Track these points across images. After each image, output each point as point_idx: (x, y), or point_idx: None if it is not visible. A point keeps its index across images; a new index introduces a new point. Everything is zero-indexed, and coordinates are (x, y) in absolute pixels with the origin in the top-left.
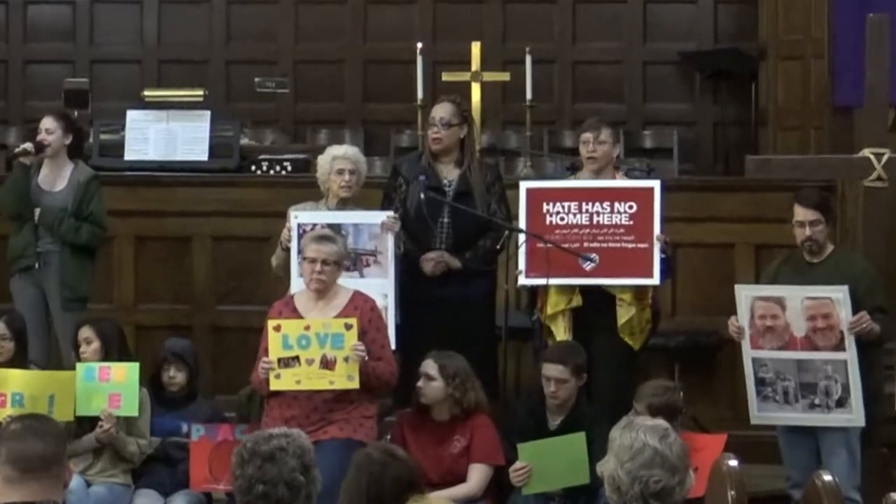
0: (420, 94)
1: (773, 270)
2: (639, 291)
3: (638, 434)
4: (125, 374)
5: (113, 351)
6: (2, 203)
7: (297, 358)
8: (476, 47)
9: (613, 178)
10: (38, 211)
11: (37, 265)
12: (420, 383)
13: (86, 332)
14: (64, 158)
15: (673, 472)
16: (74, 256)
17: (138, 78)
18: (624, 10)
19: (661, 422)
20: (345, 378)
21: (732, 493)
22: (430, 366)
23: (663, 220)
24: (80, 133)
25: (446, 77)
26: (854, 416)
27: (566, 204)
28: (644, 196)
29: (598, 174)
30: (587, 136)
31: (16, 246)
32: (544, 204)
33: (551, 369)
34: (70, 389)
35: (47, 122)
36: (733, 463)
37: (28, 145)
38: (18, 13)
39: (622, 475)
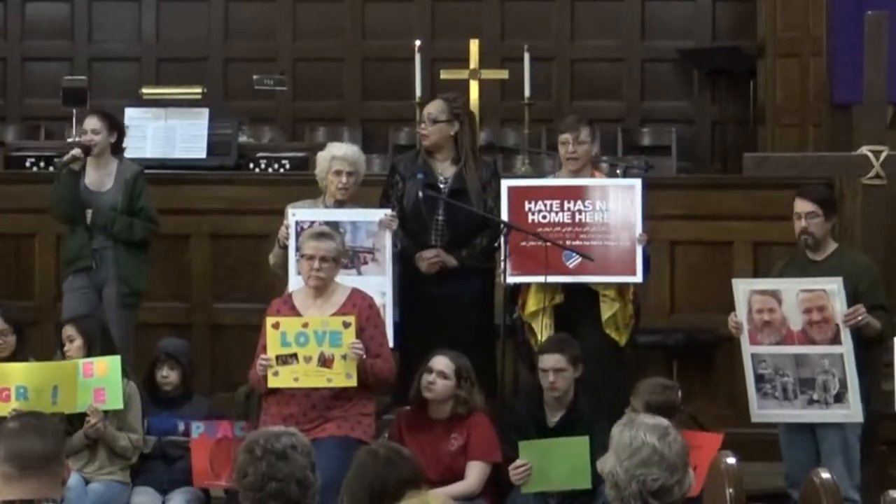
0: (418, 92)
1: (778, 271)
2: (620, 287)
3: (638, 432)
4: (107, 367)
5: (96, 347)
6: (55, 210)
7: (295, 355)
8: (474, 45)
9: (592, 176)
10: (89, 212)
11: (94, 265)
12: (430, 378)
13: (68, 330)
14: (108, 157)
15: (672, 471)
16: (129, 252)
17: (136, 76)
18: (622, 8)
19: (662, 420)
20: (343, 376)
21: (731, 490)
22: (443, 363)
23: (645, 218)
24: (122, 129)
25: (444, 75)
26: (852, 411)
27: (548, 202)
28: (625, 194)
29: (577, 173)
30: (566, 136)
31: (72, 248)
32: (526, 202)
33: (548, 359)
34: (73, 379)
35: (92, 123)
36: (731, 460)
37: (77, 151)
38: (17, 10)
39: (620, 473)
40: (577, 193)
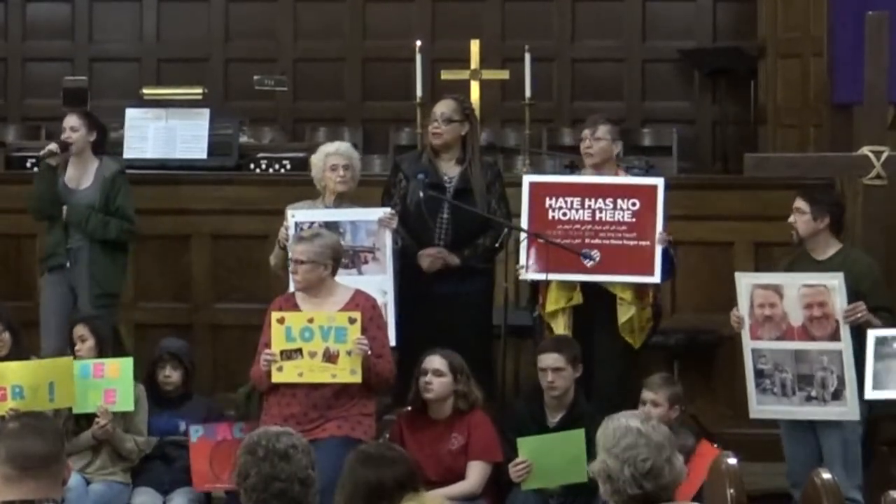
0: (419, 92)
1: (783, 268)
2: (639, 291)
3: (619, 420)
4: (119, 369)
5: (108, 347)
6: (31, 205)
7: (299, 350)
8: (475, 45)
9: (616, 175)
10: (65, 209)
11: (67, 263)
12: (427, 379)
13: (80, 330)
14: (89, 155)
15: (659, 449)
16: (104, 252)
17: (137, 76)
18: (623, 8)
19: (637, 412)
20: (347, 372)
21: (731, 491)
22: (437, 362)
23: (666, 218)
24: (104, 129)
25: (445, 75)
26: (849, 409)
27: (569, 199)
28: (647, 193)
29: (597, 171)
30: (585, 132)
31: (47, 245)
32: (547, 199)
33: (547, 359)
34: (69, 374)
35: (71, 121)
36: (732, 461)
37: (53, 146)
38: (17, 11)
39: (611, 462)
40: (599, 191)
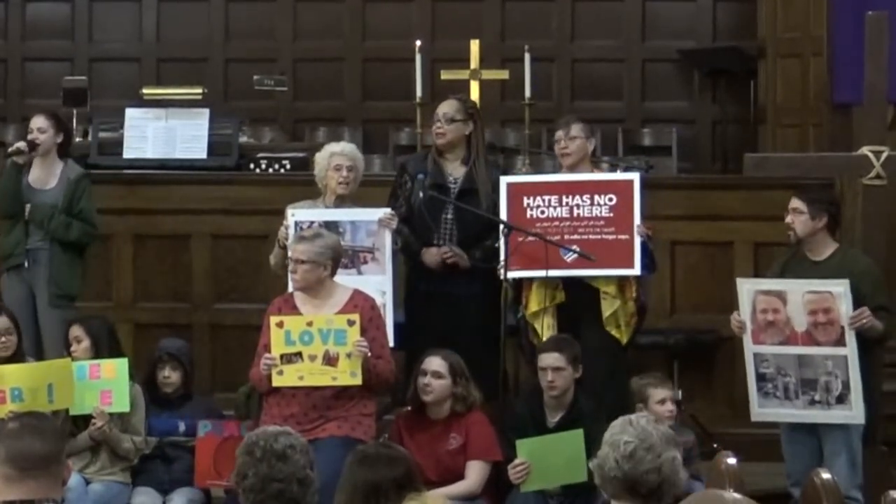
0: (419, 92)
1: (779, 268)
2: (622, 285)
3: (626, 418)
4: (114, 369)
5: (103, 348)
6: None
7: (299, 354)
8: (475, 45)
9: (591, 172)
10: (28, 207)
11: (26, 263)
12: (426, 380)
13: (76, 331)
14: (54, 157)
15: (645, 436)
16: (64, 254)
17: (137, 76)
18: (623, 8)
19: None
20: (347, 374)
21: (731, 491)
22: (438, 363)
23: (644, 215)
24: (70, 132)
25: (445, 75)
26: (854, 412)
27: (546, 197)
28: (624, 188)
29: (574, 170)
30: (558, 133)
31: (6, 244)
32: (524, 198)
33: (547, 358)
34: (67, 376)
35: (39, 122)
36: (732, 461)
37: (22, 144)
38: (17, 10)
39: (602, 450)
40: (575, 188)
